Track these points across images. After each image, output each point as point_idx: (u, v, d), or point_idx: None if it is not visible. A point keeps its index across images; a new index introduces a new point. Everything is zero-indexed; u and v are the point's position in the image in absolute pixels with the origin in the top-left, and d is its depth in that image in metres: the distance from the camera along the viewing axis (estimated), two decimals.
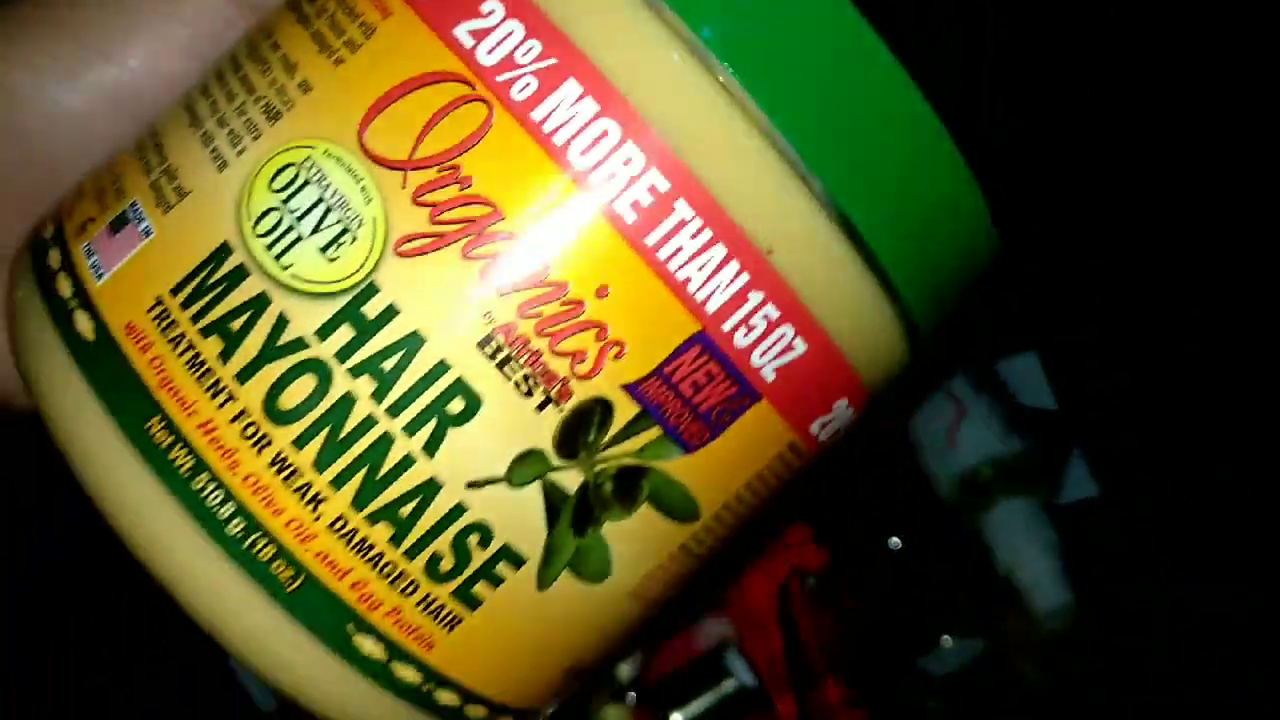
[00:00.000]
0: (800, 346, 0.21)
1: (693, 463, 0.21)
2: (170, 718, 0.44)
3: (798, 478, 0.24)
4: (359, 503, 0.20)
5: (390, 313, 0.20)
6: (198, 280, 0.21)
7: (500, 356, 0.20)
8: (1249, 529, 0.47)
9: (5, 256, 0.27)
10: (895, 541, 0.44)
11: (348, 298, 0.20)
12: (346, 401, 0.20)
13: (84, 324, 0.21)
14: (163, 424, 0.20)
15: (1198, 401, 0.49)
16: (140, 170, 0.22)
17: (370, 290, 0.20)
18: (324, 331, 0.20)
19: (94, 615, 0.49)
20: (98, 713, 0.48)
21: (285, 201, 0.21)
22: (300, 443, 0.20)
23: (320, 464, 0.20)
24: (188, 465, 0.20)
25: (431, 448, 0.20)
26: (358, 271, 0.20)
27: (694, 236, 0.20)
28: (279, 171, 0.21)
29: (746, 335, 0.21)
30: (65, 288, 0.22)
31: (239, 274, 0.21)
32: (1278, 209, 0.52)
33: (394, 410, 0.20)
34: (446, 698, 0.22)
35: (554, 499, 0.21)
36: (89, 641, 0.49)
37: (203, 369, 0.20)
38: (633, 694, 0.43)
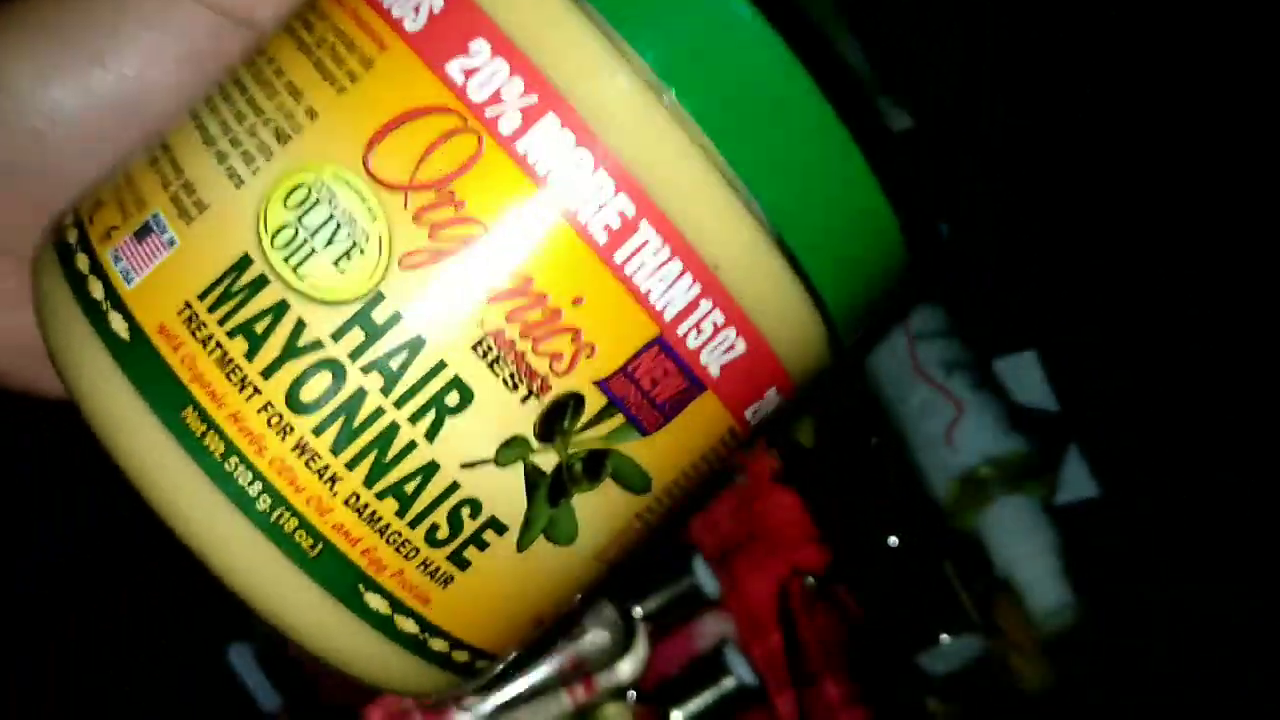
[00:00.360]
0: (740, 346, 0.25)
1: (648, 445, 0.25)
2: (170, 718, 0.46)
3: (733, 456, 0.28)
4: (369, 481, 0.24)
5: (396, 318, 0.23)
6: (222, 287, 0.24)
7: (490, 356, 0.24)
8: (1249, 529, 0.47)
9: (11, 251, 0.29)
10: (894, 540, 0.43)
11: (358, 305, 0.23)
12: (359, 395, 0.23)
13: (119, 324, 0.24)
14: (196, 413, 0.24)
15: (1198, 401, 0.48)
16: (158, 183, 0.25)
17: (378, 298, 0.23)
18: (338, 335, 0.23)
19: (94, 615, 0.50)
20: (98, 713, 0.49)
21: (300, 219, 0.24)
22: (319, 430, 0.23)
23: (336, 449, 0.24)
24: (219, 450, 0.24)
25: (432, 434, 0.24)
26: (366, 281, 0.23)
27: (655, 254, 0.24)
28: (292, 190, 0.24)
29: (697, 338, 0.25)
30: (97, 290, 0.25)
31: (260, 282, 0.24)
32: (1278, 209, 0.51)
33: (400, 403, 0.24)
34: (438, 645, 0.25)
35: (533, 477, 0.24)
36: (89, 641, 0.50)
37: (230, 366, 0.24)
38: (633, 692, 0.44)
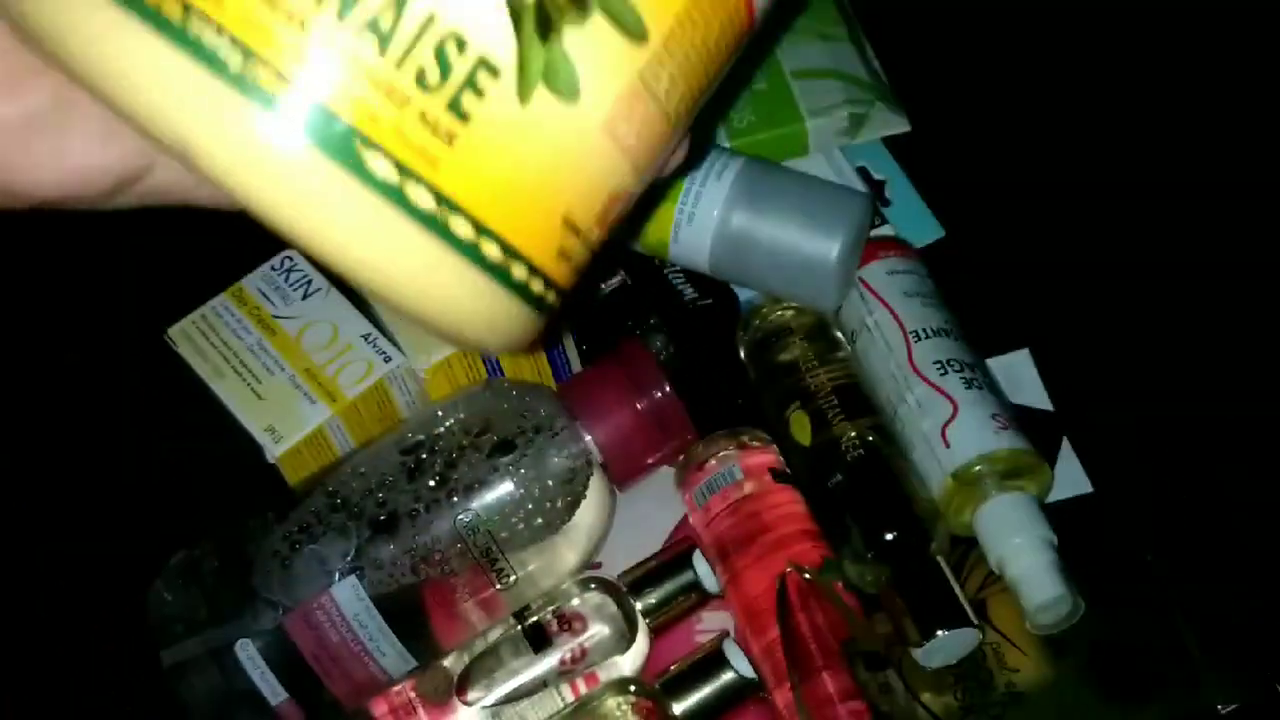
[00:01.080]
0: None
1: None
2: (170, 718, 0.43)
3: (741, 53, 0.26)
4: (342, 13, 0.22)
5: None
6: None
7: None
8: (1249, 529, 0.47)
9: None
10: (892, 537, 0.44)
11: None
12: None
13: None
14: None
15: (1195, 401, 0.49)
16: None
17: None
18: None
19: (94, 615, 0.49)
20: (98, 713, 0.48)
21: None
22: None
23: None
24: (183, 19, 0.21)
25: None
26: None
27: None
28: None
29: None
30: None
31: None
32: (1277, 209, 0.53)
33: None
34: (460, 228, 0.23)
35: (515, 5, 0.23)
36: (88, 641, 0.49)
37: None
38: (633, 686, 0.44)
